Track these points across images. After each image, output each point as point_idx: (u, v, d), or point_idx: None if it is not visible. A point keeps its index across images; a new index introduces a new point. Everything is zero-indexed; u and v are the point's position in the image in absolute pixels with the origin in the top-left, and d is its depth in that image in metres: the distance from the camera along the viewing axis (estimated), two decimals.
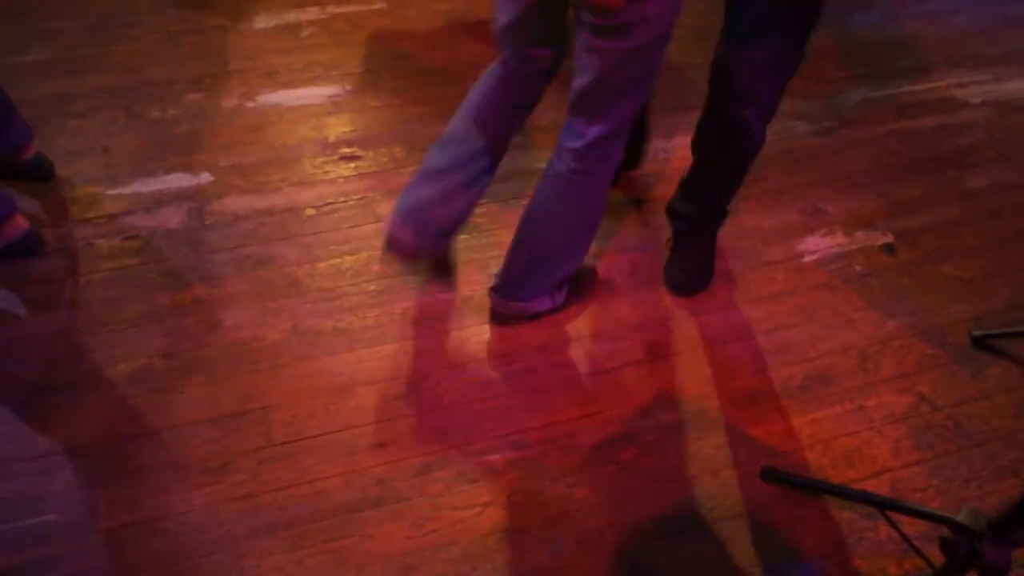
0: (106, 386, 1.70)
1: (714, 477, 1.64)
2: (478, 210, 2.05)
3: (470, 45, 2.70)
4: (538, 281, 1.79)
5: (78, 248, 1.98)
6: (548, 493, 1.58)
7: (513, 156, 2.09)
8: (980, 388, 1.83)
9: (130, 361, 1.75)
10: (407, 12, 2.84)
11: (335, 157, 2.25)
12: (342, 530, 1.51)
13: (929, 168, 2.39)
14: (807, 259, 2.09)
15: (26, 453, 1.59)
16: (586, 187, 1.64)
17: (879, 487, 1.63)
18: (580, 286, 1.94)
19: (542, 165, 1.71)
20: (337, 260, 1.98)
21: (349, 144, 2.30)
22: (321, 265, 1.97)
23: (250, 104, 2.41)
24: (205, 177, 2.17)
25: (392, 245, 1.76)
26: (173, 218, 2.06)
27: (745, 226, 2.15)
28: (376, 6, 2.87)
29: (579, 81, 1.49)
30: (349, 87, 2.50)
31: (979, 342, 1.92)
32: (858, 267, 2.07)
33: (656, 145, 2.33)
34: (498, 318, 1.87)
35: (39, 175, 2.12)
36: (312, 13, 2.82)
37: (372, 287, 1.93)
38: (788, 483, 1.61)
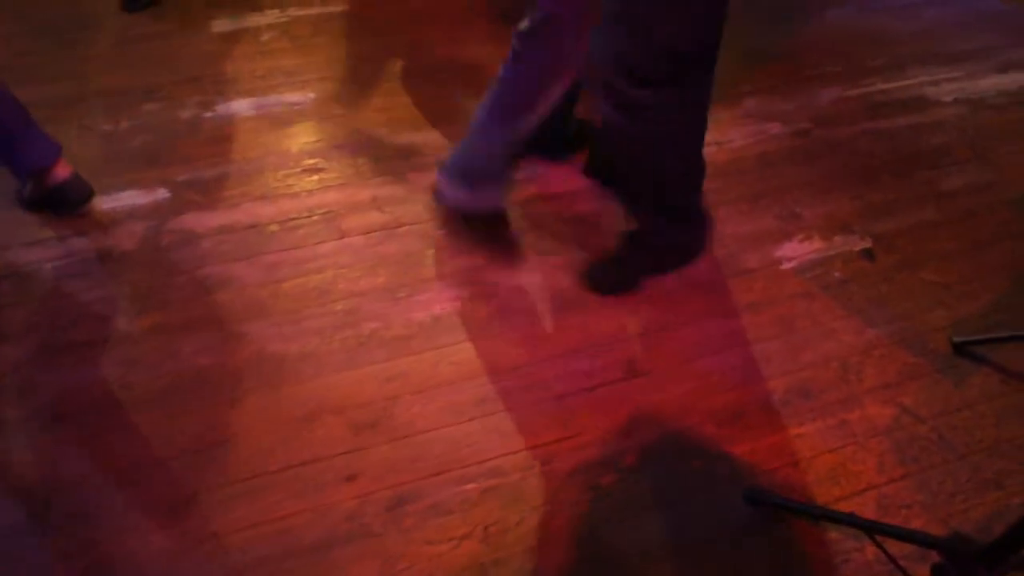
0: (57, 421, 1.62)
1: (696, 500, 1.59)
2: (448, 234, 1.99)
3: (439, 48, 2.62)
4: (461, 166, 1.88)
5: (27, 272, 1.88)
6: (526, 523, 1.52)
7: None
8: (962, 397, 1.80)
9: (83, 394, 1.67)
10: (372, 14, 2.75)
11: (298, 169, 2.17)
12: (312, 570, 1.44)
13: (904, 169, 2.36)
14: (785, 266, 2.04)
15: None
16: (517, 73, 1.70)
17: (864, 504, 1.60)
18: (555, 302, 1.88)
19: None
20: (302, 279, 1.90)
21: (312, 155, 2.21)
22: (285, 285, 1.89)
23: (208, 114, 2.32)
24: (161, 194, 2.08)
25: (438, 197, 1.89)
26: (128, 239, 1.97)
27: (721, 233, 2.11)
28: (339, 8, 2.78)
29: None
30: (312, 94, 2.41)
31: (960, 349, 1.89)
32: (837, 274, 2.03)
33: None
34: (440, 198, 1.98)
35: (74, 200, 1.98)
36: (272, 17, 2.72)
37: (339, 307, 1.85)
38: (772, 505, 1.57)
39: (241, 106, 2.35)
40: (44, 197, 1.95)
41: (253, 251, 1.95)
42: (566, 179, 2.19)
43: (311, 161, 2.19)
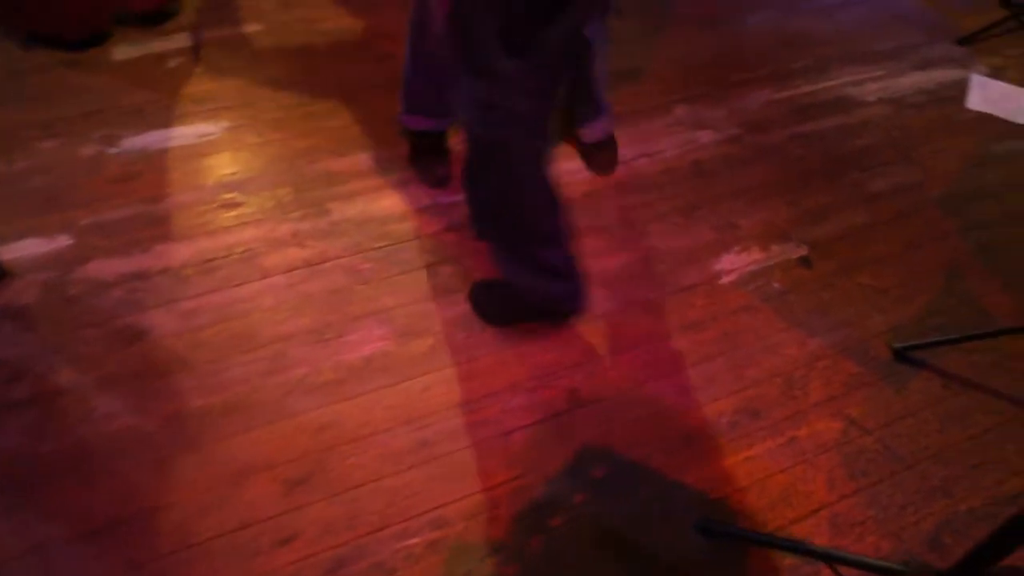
0: None
1: (649, 534, 1.54)
2: (376, 267, 1.90)
3: (357, 67, 2.51)
4: None
5: None
6: None
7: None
8: (905, 405, 1.80)
9: None
10: (286, 34, 2.63)
11: (214, 205, 2.04)
12: None
13: (834, 171, 2.36)
14: (724, 280, 2.01)
15: None
16: None
17: (818, 525, 1.57)
18: (492, 333, 1.81)
19: None
20: (223, 326, 1.79)
21: (229, 189, 2.09)
22: (205, 333, 1.77)
23: (112, 150, 2.17)
24: (63, 240, 1.93)
25: None
26: (27, 292, 1.82)
27: (658, 249, 2.07)
28: (251, 28, 2.65)
29: None
30: (225, 123, 2.28)
31: (900, 355, 1.89)
32: (776, 284, 2.01)
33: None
34: None
35: None
36: (179, 40, 2.57)
37: (264, 353, 1.74)
38: (726, 535, 1.53)
39: (148, 140, 2.20)
40: None
41: (168, 298, 1.82)
42: None
43: (227, 196, 2.07)
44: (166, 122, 2.26)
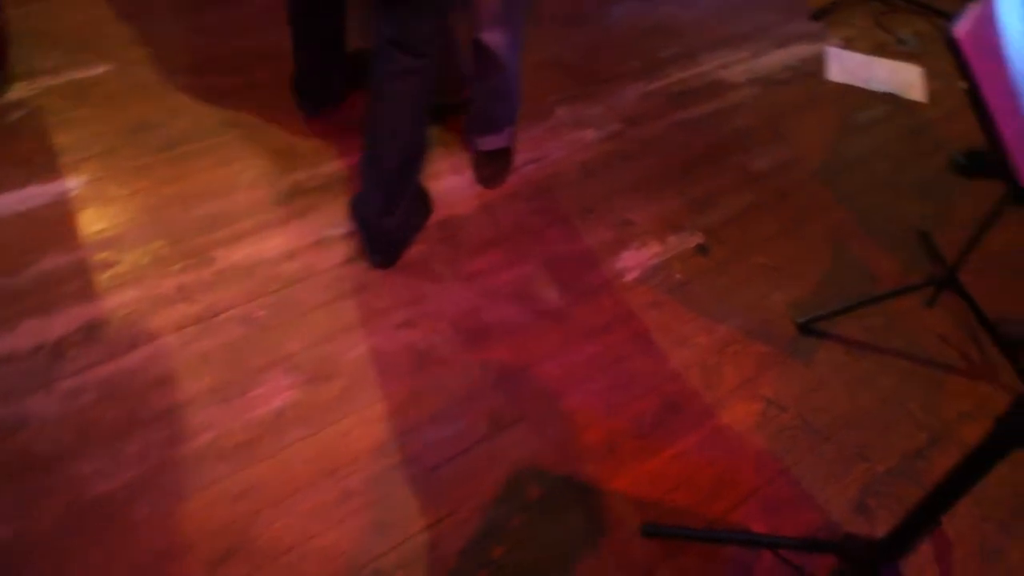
0: None
1: (594, 547, 1.52)
2: (272, 313, 1.80)
3: (223, 99, 2.37)
4: None
5: None
6: None
7: None
8: (815, 376, 1.86)
9: None
10: (140, 73, 2.45)
11: (85, 269, 1.89)
12: None
13: (716, 156, 2.42)
14: (628, 277, 2.03)
15: None
16: None
17: (752, 511, 1.60)
18: (403, 365, 1.75)
19: None
20: (112, 401, 1.64)
21: (99, 249, 1.93)
22: (94, 412, 1.62)
23: None
24: None
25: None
26: None
27: (558, 255, 2.06)
28: (100, 70, 2.46)
29: None
30: (85, 177, 2.11)
31: (803, 328, 1.95)
32: (678, 275, 2.04)
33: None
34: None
35: None
36: (20, 90, 2.36)
37: (164, 422, 1.62)
38: (671, 535, 1.53)
39: None
40: None
41: (45, 379, 1.67)
42: None
43: (99, 256, 1.91)
44: (14, 184, 2.06)
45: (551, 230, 2.12)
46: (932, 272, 1.83)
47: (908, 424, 1.80)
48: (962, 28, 1.37)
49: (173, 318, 1.80)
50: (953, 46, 1.35)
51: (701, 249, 2.12)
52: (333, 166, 2.19)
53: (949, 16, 2.70)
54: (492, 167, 2.22)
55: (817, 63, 2.84)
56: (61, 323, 1.77)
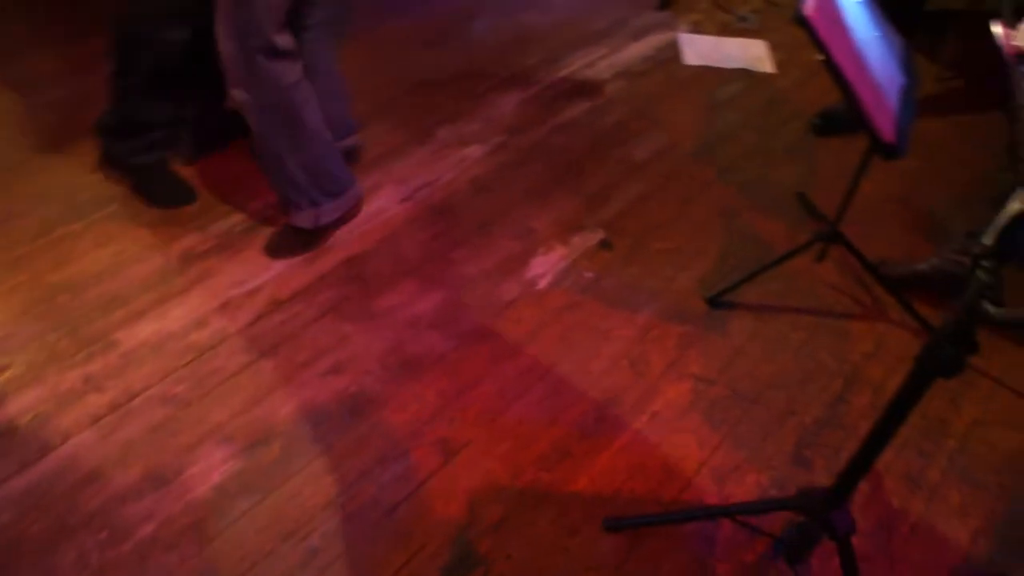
0: None
1: (565, 554, 1.55)
2: (191, 386, 1.73)
3: (89, 176, 2.24)
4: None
5: None
6: None
7: None
8: (732, 345, 1.96)
9: None
10: None
11: None
12: None
13: (599, 152, 2.50)
14: (541, 284, 2.06)
15: None
16: None
17: (705, 486, 1.67)
18: (339, 414, 1.73)
19: None
20: (35, 514, 1.53)
21: None
22: (14, 531, 1.50)
23: None
24: None
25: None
26: None
27: (469, 274, 2.07)
28: None
29: None
30: None
31: (713, 302, 2.05)
32: (588, 274, 2.10)
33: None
34: None
35: None
36: None
37: (95, 527, 1.52)
38: (633, 526, 1.57)
39: None
40: None
41: None
42: (290, 278, 2.01)
43: None
44: None
45: (456, 251, 2.13)
46: (818, 229, 1.96)
47: (823, 374, 1.92)
48: (809, 6, 1.48)
49: (85, 411, 1.69)
50: (804, 23, 1.47)
51: (605, 244, 2.18)
52: (222, 225, 2.12)
53: None
54: (289, 241, 2.09)
55: (672, 50, 2.98)
56: None
